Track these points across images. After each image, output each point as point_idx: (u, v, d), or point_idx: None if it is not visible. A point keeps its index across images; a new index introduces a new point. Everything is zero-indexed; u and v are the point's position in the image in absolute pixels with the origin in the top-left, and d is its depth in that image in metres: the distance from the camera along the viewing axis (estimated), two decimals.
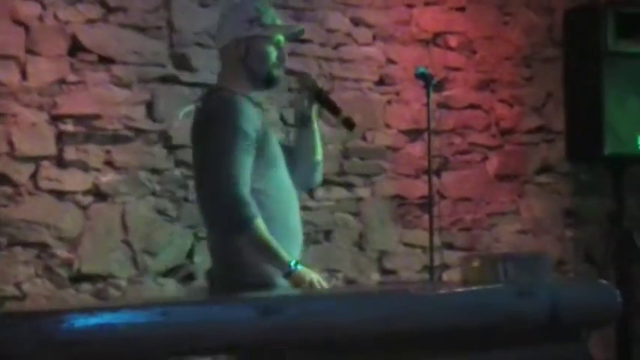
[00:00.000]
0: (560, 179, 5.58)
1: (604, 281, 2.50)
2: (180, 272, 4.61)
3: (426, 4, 5.29)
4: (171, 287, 4.57)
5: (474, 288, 2.30)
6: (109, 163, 4.49)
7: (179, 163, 4.63)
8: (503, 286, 2.28)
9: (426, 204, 4.48)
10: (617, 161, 4.74)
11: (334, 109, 3.48)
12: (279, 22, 3.51)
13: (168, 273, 4.59)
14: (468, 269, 2.35)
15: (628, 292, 4.56)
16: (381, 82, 5.15)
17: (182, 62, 4.67)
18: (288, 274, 3.19)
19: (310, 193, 4.86)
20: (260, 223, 3.20)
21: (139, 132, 4.56)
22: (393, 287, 2.82)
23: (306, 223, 4.87)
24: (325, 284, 3.28)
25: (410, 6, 5.25)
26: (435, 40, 5.31)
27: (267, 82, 3.47)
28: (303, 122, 3.53)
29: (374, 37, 5.15)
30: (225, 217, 3.24)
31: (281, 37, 3.47)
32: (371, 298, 2.35)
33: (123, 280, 4.48)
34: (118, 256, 4.47)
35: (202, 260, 4.62)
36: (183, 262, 4.63)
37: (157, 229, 4.57)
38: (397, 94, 5.17)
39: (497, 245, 5.37)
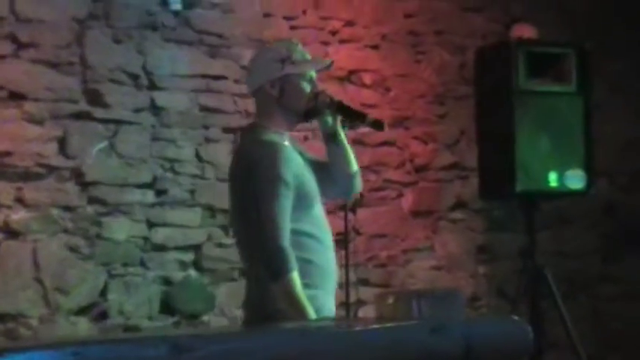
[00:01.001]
0: (474, 216, 5.64)
1: (516, 317, 2.52)
2: (94, 310, 4.56)
3: (341, 41, 5.33)
4: (83, 326, 4.51)
5: (388, 325, 2.30)
6: (20, 201, 4.43)
7: (92, 200, 4.58)
8: (418, 322, 2.29)
9: (342, 240, 4.49)
10: (528, 198, 4.80)
11: (360, 116, 3.55)
12: (308, 57, 3.58)
13: (81, 311, 4.53)
14: (383, 306, 2.36)
15: (540, 328, 4.61)
16: None
17: (95, 98, 4.64)
18: None
19: (226, 229, 4.85)
20: (294, 277, 3.29)
21: (51, 169, 4.51)
22: (309, 324, 2.81)
23: (221, 259, 4.87)
24: None
25: (325, 43, 5.29)
26: (350, 77, 5.35)
27: (307, 116, 3.54)
28: (331, 139, 3.57)
29: None
30: (265, 265, 3.34)
31: (313, 73, 3.56)
32: (287, 335, 2.34)
33: (34, 320, 4.41)
34: (29, 294, 4.41)
35: (116, 298, 4.58)
36: (97, 300, 4.57)
37: (70, 267, 4.51)
38: (313, 130, 5.19)
39: (411, 281, 5.40)
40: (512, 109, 4.69)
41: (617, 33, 5.95)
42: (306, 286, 3.30)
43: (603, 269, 5.99)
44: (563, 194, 4.91)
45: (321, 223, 3.49)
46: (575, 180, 4.80)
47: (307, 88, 3.51)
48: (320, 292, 3.39)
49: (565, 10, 5.85)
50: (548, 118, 4.77)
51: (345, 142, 3.57)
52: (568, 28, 5.70)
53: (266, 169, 3.38)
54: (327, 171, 3.57)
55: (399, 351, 2.26)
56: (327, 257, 3.47)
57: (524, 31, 5.09)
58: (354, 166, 3.59)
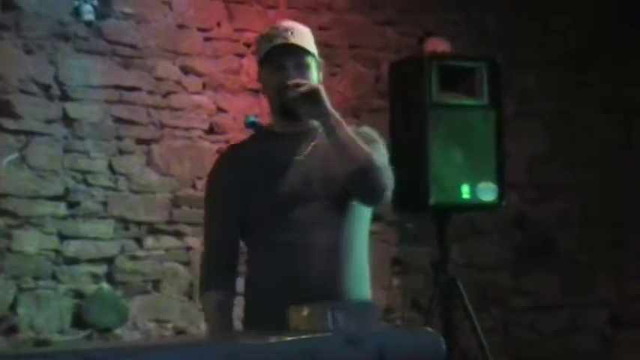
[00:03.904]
0: (388, 228, 5.67)
1: (429, 329, 2.55)
2: (3, 324, 4.48)
3: (254, 53, 5.33)
4: None
5: (303, 336, 2.31)
6: None
7: (2, 213, 4.52)
8: (332, 334, 2.30)
9: None
10: (441, 210, 4.84)
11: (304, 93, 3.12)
12: (277, 41, 3.16)
13: None
14: (298, 317, 2.36)
15: (453, 339, 4.66)
16: (211, 130, 5.15)
17: (6, 109, 4.58)
18: None
19: (139, 241, 4.82)
20: (207, 297, 3.19)
21: None
22: (221, 337, 2.81)
23: (134, 272, 4.83)
24: None
25: (240, 55, 5.28)
26: None
27: (285, 113, 3.18)
28: (326, 135, 3.14)
29: (204, 86, 5.15)
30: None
31: (286, 61, 3.16)
32: (200, 347, 2.33)
33: None
34: None
35: (26, 312, 4.51)
36: (6, 314, 4.50)
37: None
38: (227, 142, 5.18)
39: None
40: (426, 123, 4.73)
41: (528, 48, 6.04)
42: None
43: (514, 281, 6.07)
44: (475, 206, 4.96)
45: (302, 228, 3.13)
46: (487, 192, 4.85)
47: (275, 79, 3.16)
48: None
49: (476, 24, 5.93)
50: (461, 132, 4.82)
51: (342, 136, 3.08)
52: (480, 42, 5.78)
53: (207, 182, 3.35)
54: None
55: None
56: (312, 265, 3.13)
57: (437, 45, 5.14)
58: (355, 163, 3.07)
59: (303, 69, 3.19)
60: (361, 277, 3.25)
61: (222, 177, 3.26)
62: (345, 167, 3.09)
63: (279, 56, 3.16)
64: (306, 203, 3.15)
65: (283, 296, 2.84)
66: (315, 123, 3.20)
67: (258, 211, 3.18)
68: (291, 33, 3.19)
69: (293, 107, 3.13)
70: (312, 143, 3.22)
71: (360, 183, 3.10)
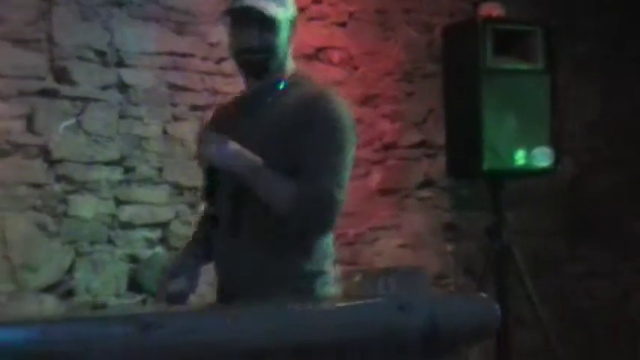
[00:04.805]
0: (441, 194, 5.66)
1: (483, 295, 2.53)
2: (60, 288, 4.54)
3: (309, 19, 5.31)
4: (51, 303, 4.50)
5: (354, 302, 2.31)
6: None
7: (59, 178, 4.56)
8: (384, 300, 2.30)
9: None
10: (495, 176, 4.81)
11: None
12: (235, 4, 3.08)
13: (48, 289, 4.52)
14: (350, 283, 2.37)
15: (506, 305, 4.64)
16: None
17: (62, 75, 4.61)
18: None
19: (193, 207, 4.84)
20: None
21: (18, 146, 4.48)
22: (276, 302, 2.82)
23: (188, 237, 4.84)
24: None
25: None
26: (318, 55, 5.34)
27: (240, 69, 3.14)
28: None
29: None
30: None
31: (240, 21, 3.07)
32: (254, 313, 2.34)
33: (2, 296, 4.39)
34: None
35: (82, 276, 4.56)
36: (63, 278, 4.56)
37: (37, 244, 4.49)
38: None
39: (378, 259, 5.41)
40: (480, 88, 4.69)
41: (583, 13, 5.97)
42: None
43: (568, 248, 6.02)
44: (529, 173, 4.92)
45: (221, 203, 3.10)
46: (542, 158, 4.81)
47: (231, 40, 3.11)
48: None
49: None
50: (515, 97, 4.78)
51: (258, 190, 2.99)
52: (534, 6, 5.71)
53: None
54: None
55: (365, 328, 2.27)
56: (218, 246, 3.15)
57: (492, 9, 5.09)
58: (280, 212, 2.97)
59: (268, 29, 3.05)
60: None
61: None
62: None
63: (236, 17, 3.09)
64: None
65: (220, 272, 3.11)
66: (281, 77, 3.11)
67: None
68: None
69: (249, 68, 3.10)
70: (264, 103, 3.10)
71: (294, 225, 3.00)
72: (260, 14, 3.03)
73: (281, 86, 3.10)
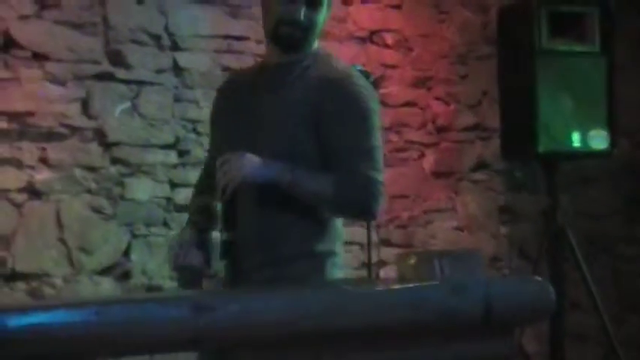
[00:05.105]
0: (495, 176, 5.63)
1: (538, 277, 2.52)
2: (116, 270, 4.58)
3: (363, 1, 5.30)
4: (107, 285, 4.54)
5: (409, 284, 2.31)
6: (44, 161, 4.44)
7: (115, 161, 4.60)
8: (439, 282, 2.29)
9: None
10: (550, 159, 4.77)
11: None
12: None
13: (104, 271, 4.56)
14: (404, 266, 2.36)
15: (561, 288, 4.60)
16: None
17: (118, 59, 4.64)
18: None
19: None
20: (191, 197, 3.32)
21: (74, 129, 4.52)
22: (330, 284, 2.82)
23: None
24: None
25: (346, 3, 5.26)
26: (372, 37, 5.33)
27: (276, 40, 3.03)
28: None
29: None
30: None
31: None
32: (308, 295, 2.34)
33: (58, 279, 4.43)
34: (53, 254, 4.43)
35: (138, 258, 4.60)
36: (120, 260, 4.59)
37: (93, 227, 4.53)
38: None
39: (433, 242, 5.40)
40: (535, 69, 4.65)
41: None
42: None
43: (625, 230, 5.97)
44: (585, 154, 4.87)
45: (244, 225, 3.00)
46: (598, 140, 4.76)
47: (279, 6, 2.99)
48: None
49: None
50: (571, 78, 4.73)
51: (302, 198, 2.97)
52: None
53: None
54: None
55: (420, 310, 2.27)
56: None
57: None
58: (327, 212, 3.01)
59: (313, 6, 2.99)
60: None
61: (213, 105, 3.28)
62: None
63: None
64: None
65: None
66: (307, 55, 3.04)
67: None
68: None
69: (287, 41, 3.01)
70: (288, 79, 3.03)
71: (345, 218, 3.09)
72: None
73: (306, 63, 3.05)
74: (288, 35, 2.99)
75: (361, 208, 2.97)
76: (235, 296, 2.36)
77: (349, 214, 3.08)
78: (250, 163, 2.89)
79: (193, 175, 4.76)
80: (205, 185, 3.21)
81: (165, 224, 4.71)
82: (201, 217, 3.16)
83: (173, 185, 4.74)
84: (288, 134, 2.95)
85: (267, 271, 2.96)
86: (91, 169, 4.55)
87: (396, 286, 2.32)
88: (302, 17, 2.97)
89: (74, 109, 4.52)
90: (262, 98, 3.03)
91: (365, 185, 2.93)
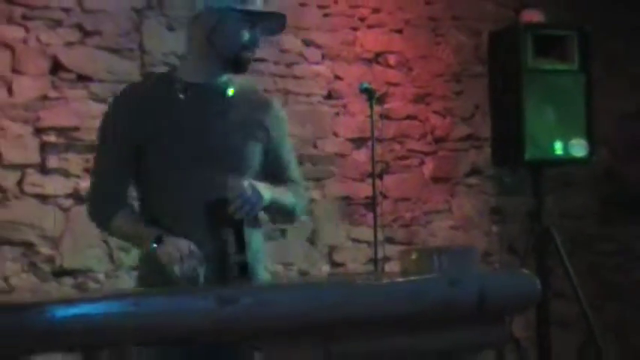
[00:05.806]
0: (487, 181, 5.61)
1: (525, 270, 2.51)
2: None
3: (369, 27, 5.30)
4: None
5: (411, 278, 2.30)
6: (88, 170, 4.44)
7: None
8: (437, 276, 2.29)
9: (371, 204, 4.48)
10: (536, 165, 4.77)
11: None
12: (260, 5, 2.87)
13: None
14: (407, 261, 2.36)
15: (546, 280, 4.60)
16: (329, 96, 5.15)
17: None
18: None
19: None
20: (115, 220, 2.89)
21: None
22: (341, 278, 2.82)
23: (264, 221, 4.86)
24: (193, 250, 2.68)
25: (354, 29, 5.26)
26: (377, 58, 5.32)
27: (235, 64, 2.84)
28: None
29: (323, 57, 5.14)
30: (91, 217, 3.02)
31: (262, 22, 2.86)
32: (321, 287, 2.34)
33: (101, 274, 4.43)
34: (96, 252, 4.43)
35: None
36: None
37: None
38: (344, 106, 5.17)
39: (432, 239, 5.39)
40: (522, 86, 4.66)
41: (617, 16, 5.87)
42: None
43: (602, 229, 5.94)
44: (567, 161, 4.87)
45: (189, 194, 2.75)
46: (579, 148, 4.76)
47: (245, 33, 2.81)
48: None
49: None
50: (554, 94, 4.74)
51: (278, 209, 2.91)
52: (571, 11, 5.63)
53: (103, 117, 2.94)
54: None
55: (421, 301, 2.26)
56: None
57: (532, 15, 5.04)
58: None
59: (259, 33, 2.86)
60: None
61: (118, 116, 2.89)
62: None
63: (247, 17, 2.84)
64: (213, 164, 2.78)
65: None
66: (227, 78, 2.89)
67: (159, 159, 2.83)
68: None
69: (247, 65, 2.86)
70: (223, 101, 2.87)
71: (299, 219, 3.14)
72: (282, 19, 2.91)
73: (235, 81, 2.93)
74: (248, 59, 2.86)
75: (304, 212, 3.08)
76: (257, 289, 2.36)
77: (295, 218, 3.05)
78: (262, 189, 2.75)
79: None
80: (124, 197, 2.93)
81: None
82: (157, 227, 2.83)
83: None
84: (246, 152, 2.85)
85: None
86: None
87: (400, 280, 2.32)
88: (258, 43, 2.88)
89: None
90: (211, 116, 2.83)
91: (304, 192, 3.06)
